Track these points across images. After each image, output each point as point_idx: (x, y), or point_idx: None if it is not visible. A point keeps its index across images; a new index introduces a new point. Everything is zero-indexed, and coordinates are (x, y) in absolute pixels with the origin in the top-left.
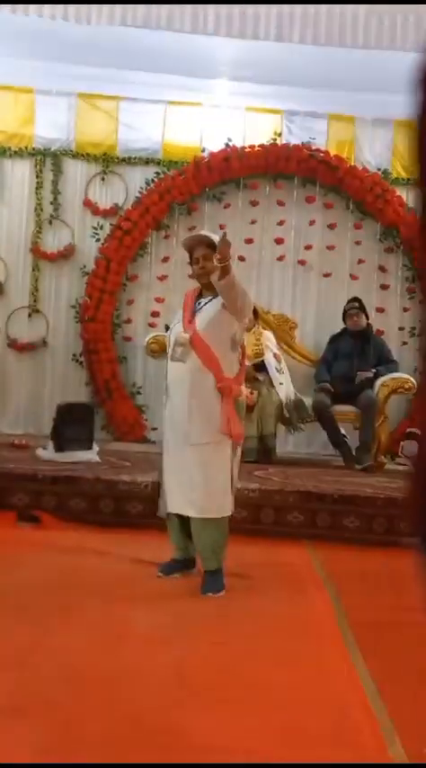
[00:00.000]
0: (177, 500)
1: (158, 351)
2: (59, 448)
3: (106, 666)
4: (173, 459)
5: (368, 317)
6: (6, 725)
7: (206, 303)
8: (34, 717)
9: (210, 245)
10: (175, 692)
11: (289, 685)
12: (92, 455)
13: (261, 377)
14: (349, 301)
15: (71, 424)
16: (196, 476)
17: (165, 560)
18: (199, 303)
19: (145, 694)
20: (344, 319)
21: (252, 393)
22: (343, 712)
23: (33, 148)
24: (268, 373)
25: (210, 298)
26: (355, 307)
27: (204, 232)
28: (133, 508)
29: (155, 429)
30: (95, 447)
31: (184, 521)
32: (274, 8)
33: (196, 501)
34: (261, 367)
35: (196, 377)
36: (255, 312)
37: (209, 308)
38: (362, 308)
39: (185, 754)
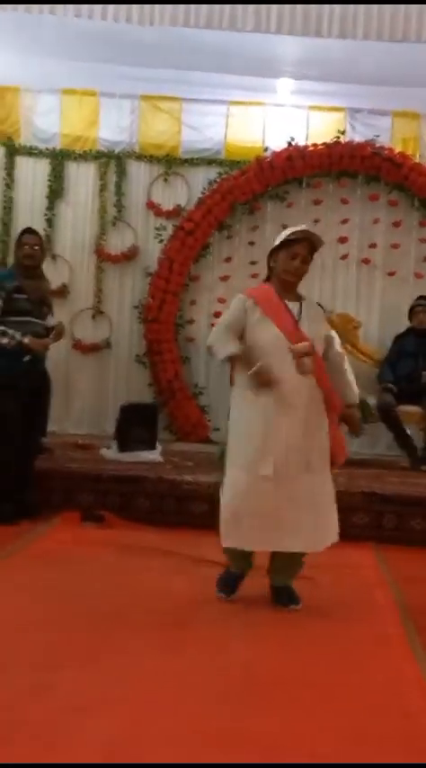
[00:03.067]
0: (287, 537)
1: None
2: (123, 448)
3: (172, 666)
4: (280, 487)
5: None
6: (76, 722)
7: (300, 311)
8: (102, 715)
9: (315, 249)
10: (241, 693)
11: (356, 689)
12: (155, 455)
13: None
14: (417, 298)
15: (134, 425)
16: (313, 507)
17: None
18: (293, 308)
19: (211, 694)
20: (410, 317)
21: None
22: (411, 717)
23: (97, 151)
24: None
25: (298, 303)
26: (423, 304)
27: (310, 230)
28: (196, 508)
29: (217, 430)
30: (159, 447)
31: None
32: (338, 5)
33: (310, 535)
34: None
35: (313, 394)
36: None
37: (310, 320)
38: None
39: (250, 753)
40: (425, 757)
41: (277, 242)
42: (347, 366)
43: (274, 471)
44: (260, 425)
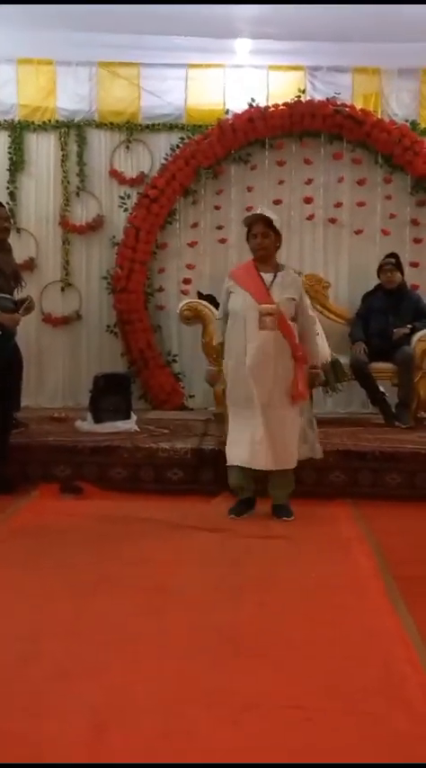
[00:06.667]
0: (262, 457)
1: (192, 318)
2: (98, 419)
3: (152, 630)
4: (260, 419)
5: (402, 274)
6: (58, 689)
7: (274, 279)
8: (84, 680)
9: (268, 223)
10: (221, 653)
11: (335, 642)
12: (130, 425)
13: None
14: (386, 256)
15: (108, 395)
16: (282, 435)
17: (228, 508)
18: (267, 277)
19: (191, 655)
20: (379, 274)
21: None
22: (389, 665)
23: (57, 121)
24: None
25: (273, 273)
26: (391, 263)
27: (261, 210)
28: (174, 475)
29: (192, 396)
30: (134, 416)
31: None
32: None
33: (285, 455)
34: None
35: (279, 345)
36: None
37: (282, 287)
38: (398, 265)
39: (233, 711)
40: (403, 704)
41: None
42: (315, 330)
43: (254, 407)
44: (244, 372)
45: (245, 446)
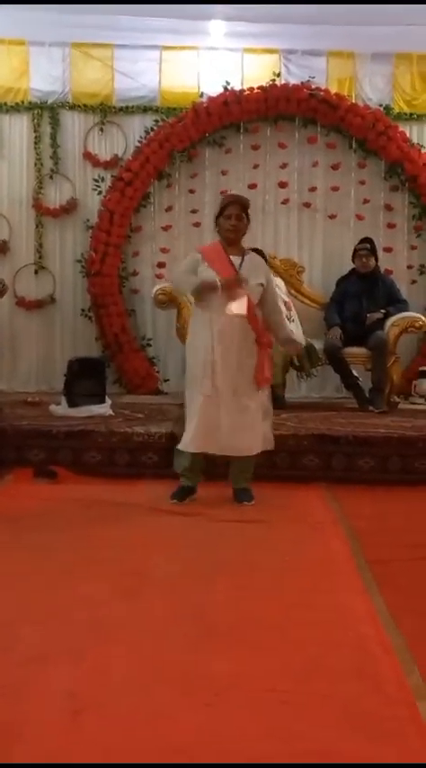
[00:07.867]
0: (223, 443)
1: (166, 302)
2: (72, 403)
3: (128, 614)
4: (219, 404)
5: (377, 260)
6: (36, 671)
7: (242, 263)
8: (61, 664)
9: (245, 207)
10: (196, 636)
11: (308, 624)
12: (105, 409)
13: None
14: (360, 241)
15: (83, 379)
16: (242, 422)
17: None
18: (235, 260)
19: (166, 638)
20: (353, 258)
21: None
22: (362, 647)
23: (29, 102)
24: None
25: (241, 257)
26: (366, 248)
27: (236, 194)
28: (148, 459)
29: (167, 380)
30: (108, 401)
31: (205, 456)
32: None
33: (246, 443)
34: None
35: (244, 330)
36: (264, 258)
37: (250, 271)
38: (373, 251)
39: (209, 694)
40: (375, 686)
41: (218, 210)
42: (280, 307)
43: (212, 391)
44: (204, 356)
45: (202, 431)
